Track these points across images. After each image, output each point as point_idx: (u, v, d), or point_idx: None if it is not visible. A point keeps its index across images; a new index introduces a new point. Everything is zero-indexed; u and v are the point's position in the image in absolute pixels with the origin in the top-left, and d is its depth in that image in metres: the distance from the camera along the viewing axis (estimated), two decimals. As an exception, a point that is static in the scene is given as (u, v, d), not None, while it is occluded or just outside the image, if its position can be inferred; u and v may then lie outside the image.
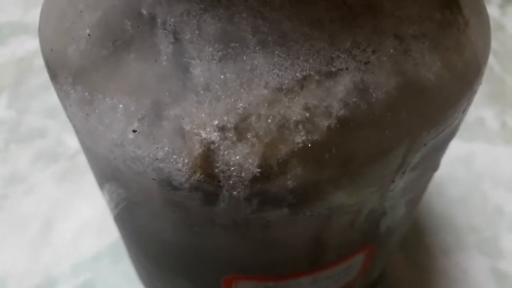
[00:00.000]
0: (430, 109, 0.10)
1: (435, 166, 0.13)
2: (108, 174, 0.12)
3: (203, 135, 0.10)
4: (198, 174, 0.10)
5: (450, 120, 0.11)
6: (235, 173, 0.10)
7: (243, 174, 0.10)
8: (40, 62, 0.33)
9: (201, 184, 0.10)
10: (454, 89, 0.11)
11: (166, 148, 0.10)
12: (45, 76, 0.32)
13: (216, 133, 0.10)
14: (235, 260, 0.13)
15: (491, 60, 0.33)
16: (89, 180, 0.27)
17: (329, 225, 0.12)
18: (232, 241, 0.12)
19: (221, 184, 0.10)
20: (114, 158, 0.11)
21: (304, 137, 0.10)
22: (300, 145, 0.10)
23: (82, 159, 0.28)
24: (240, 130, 0.10)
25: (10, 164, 0.27)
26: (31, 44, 0.35)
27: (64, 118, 0.30)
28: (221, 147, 0.10)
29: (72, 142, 0.29)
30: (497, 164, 0.28)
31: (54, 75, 0.11)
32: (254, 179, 0.10)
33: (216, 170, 0.10)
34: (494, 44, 0.35)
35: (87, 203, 0.26)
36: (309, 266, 0.13)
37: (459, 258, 0.24)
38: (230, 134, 0.10)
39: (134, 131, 0.10)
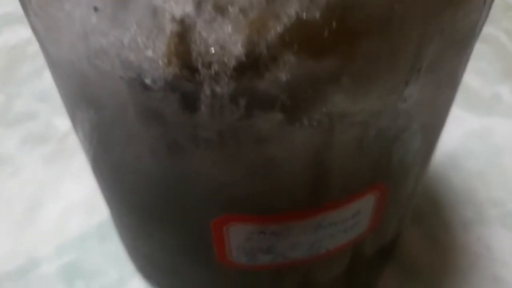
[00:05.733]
0: (448, -16, 0.09)
1: (452, 80, 0.11)
2: (76, 92, 0.11)
3: (177, 11, 0.08)
4: (173, 60, 0.08)
5: (470, 4, 0.09)
6: (216, 58, 0.08)
7: (225, 60, 0.08)
8: (33, 49, 0.32)
9: (177, 79, 0.09)
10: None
11: (133, 29, 0.08)
12: (38, 63, 0.31)
13: (192, 8, 0.08)
14: (224, 193, 0.11)
15: (504, 39, 0.32)
16: (78, 160, 0.25)
17: (332, 141, 0.10)
18: (220, 164, 0.10)
19: (201, 76, 0.09)
20: (79, 59, 0.09)
21: (298, 10, 0.08)
22: (294, 19, 0.08)
23: (72, 140, 0.26)
24: (221, 4, 0.08)
25: (-4, 146, 0.26)
26: (25, 34, 0.34)
27: (56, 101, 0.29)
28: (199, 25, 0.08)
29: (62, 124, 0.27)
30: (516, 137, 0.26)
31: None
32: (239, 67, 0.08)
33: (194, 55, 0.08)
34: (506, 23, 0.33)
35: (75, 184, 0.24)
36: (311, 203, 0.11)
37: (480, 233, 0.21)
38: (208, 8, 0.08)
39: (95, 8, 0.08)
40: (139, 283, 0.20)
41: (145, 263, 0.17)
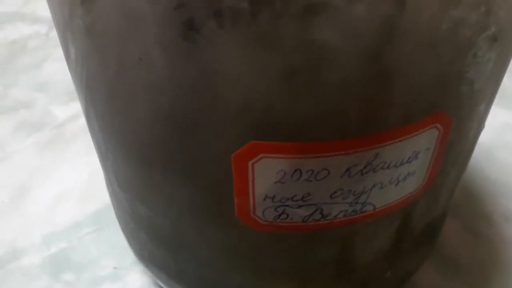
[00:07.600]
0: None
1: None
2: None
3: None
4: None
5: None
6: None
7: None
8: (33, 44, 0.31)
9: None
10: None
11: None
12: (38, 57, 0.30)
13: None
14: (254, 108, 0.09)
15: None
16: (74, 148, 0.23)
17: (401, 21, 0.08)
18: (250, 57, 0.08)
19: None
20: None
21: None
22: None
23: (69, 128, 0.24)
24: None
25: (-14, 130, 0.24)
26: (26, 30, 0.32)
27: (55, 91, 0.27)
28: None
29: (60, 113, 0.25)
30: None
31: None
32: None
33: None
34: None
35: (70, 172, 0.22)
36: (363, 128, 0.09)
37: (529, 227, 0.19)
38: None
39: None
40: (137, 275, 0.17)
41: (146, 239, 0.14)
